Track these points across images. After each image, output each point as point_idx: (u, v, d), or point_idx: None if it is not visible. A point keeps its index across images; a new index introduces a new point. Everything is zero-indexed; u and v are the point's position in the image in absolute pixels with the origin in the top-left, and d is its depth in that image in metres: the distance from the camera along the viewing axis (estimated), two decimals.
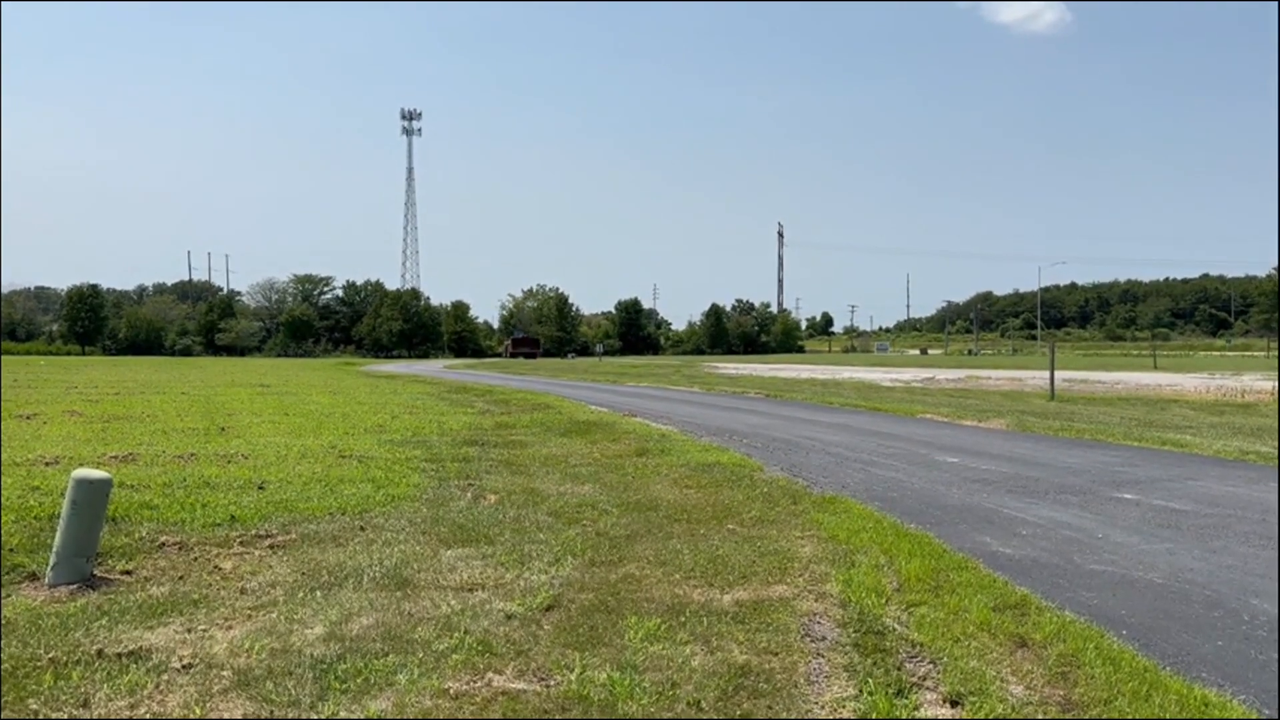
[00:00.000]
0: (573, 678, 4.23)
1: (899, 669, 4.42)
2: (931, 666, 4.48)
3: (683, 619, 5.07)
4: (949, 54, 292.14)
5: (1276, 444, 13.24)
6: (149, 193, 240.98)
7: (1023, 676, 4.37)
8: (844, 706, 4.01)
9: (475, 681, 4.20)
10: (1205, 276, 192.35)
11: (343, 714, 3.85)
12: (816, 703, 4.05)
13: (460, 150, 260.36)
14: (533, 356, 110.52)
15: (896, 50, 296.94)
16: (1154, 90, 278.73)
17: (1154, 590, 5.86)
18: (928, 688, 4.25)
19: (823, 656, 4.58)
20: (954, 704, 4.10)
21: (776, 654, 4.58)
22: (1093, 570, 6.33)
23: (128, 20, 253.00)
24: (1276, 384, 28.41)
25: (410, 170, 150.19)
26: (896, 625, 5.05)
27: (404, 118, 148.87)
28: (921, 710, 4.00)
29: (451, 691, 4.08)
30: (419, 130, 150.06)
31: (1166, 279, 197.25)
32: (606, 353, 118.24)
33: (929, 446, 13.46)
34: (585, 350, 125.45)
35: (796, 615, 5.19)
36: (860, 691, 4.15)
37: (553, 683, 4.20)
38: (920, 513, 8.29)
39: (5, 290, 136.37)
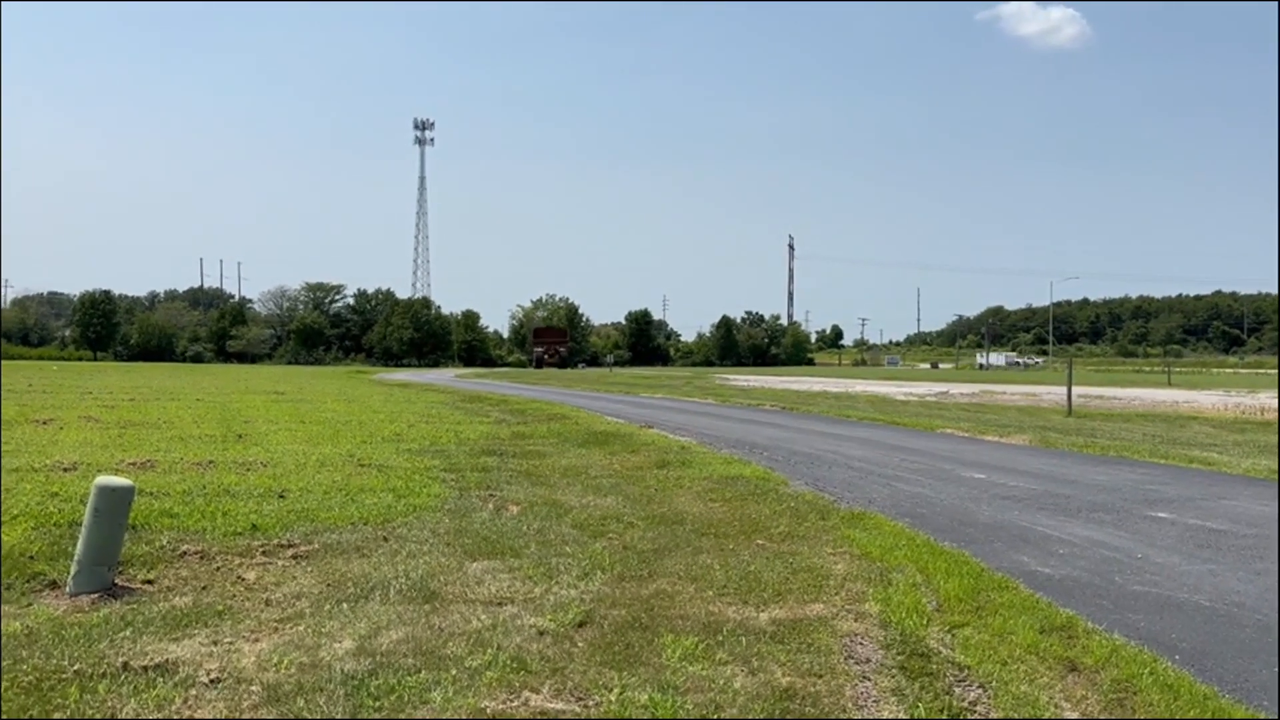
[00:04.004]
0: (612, 698, 4.09)
1: (948, 693, 4.27)
2: (981, 691, 4.33)
3: (720, 638, 4.94)
4: (965, 66, 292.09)
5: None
6: (162, 199, 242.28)
7: (1077, 702, 4.22)
8: None
9: (512, 700, 4.07)
10: (1218, 293, 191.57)
11: None
12: None
13: (471, 160, 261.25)
14: (558, 359, 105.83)
15: (911, 61, 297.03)
16: (1169, 105, 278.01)
17: (1202, 613, 5.70)
18: (980, 714, 4.10)
19: (869, 679, 4.43)
20: None
21: (821, 676, 4.43)
22: (1136, 591, 6.17)
23: (142, 24, 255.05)
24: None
25: (422, 179, 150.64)
26: (941, 647, 4.90)
27: (417, 127, 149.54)
28: None
29: (489, 711, 3.95)
30: (431, 140, 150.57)
31: (1179, 295, 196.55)
32: (616, 363, 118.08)
33: (953, 461, 13.29)
34: (595, 361, 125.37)
35: (837, 635, 5.05)
36: (911, 717, 4.00)
37: (592, 703, 4.07)
38: (952, 530, 8.14)
39: (19, 295, 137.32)
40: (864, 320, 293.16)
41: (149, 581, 5.86)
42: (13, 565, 5.95)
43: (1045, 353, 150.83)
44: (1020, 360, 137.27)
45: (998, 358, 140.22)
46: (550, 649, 4.72)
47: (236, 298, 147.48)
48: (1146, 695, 4.25)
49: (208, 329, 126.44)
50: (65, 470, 10.14)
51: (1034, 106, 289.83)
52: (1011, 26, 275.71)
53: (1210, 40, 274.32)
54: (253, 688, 4.13)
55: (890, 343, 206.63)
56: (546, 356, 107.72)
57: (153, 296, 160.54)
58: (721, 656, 4.66)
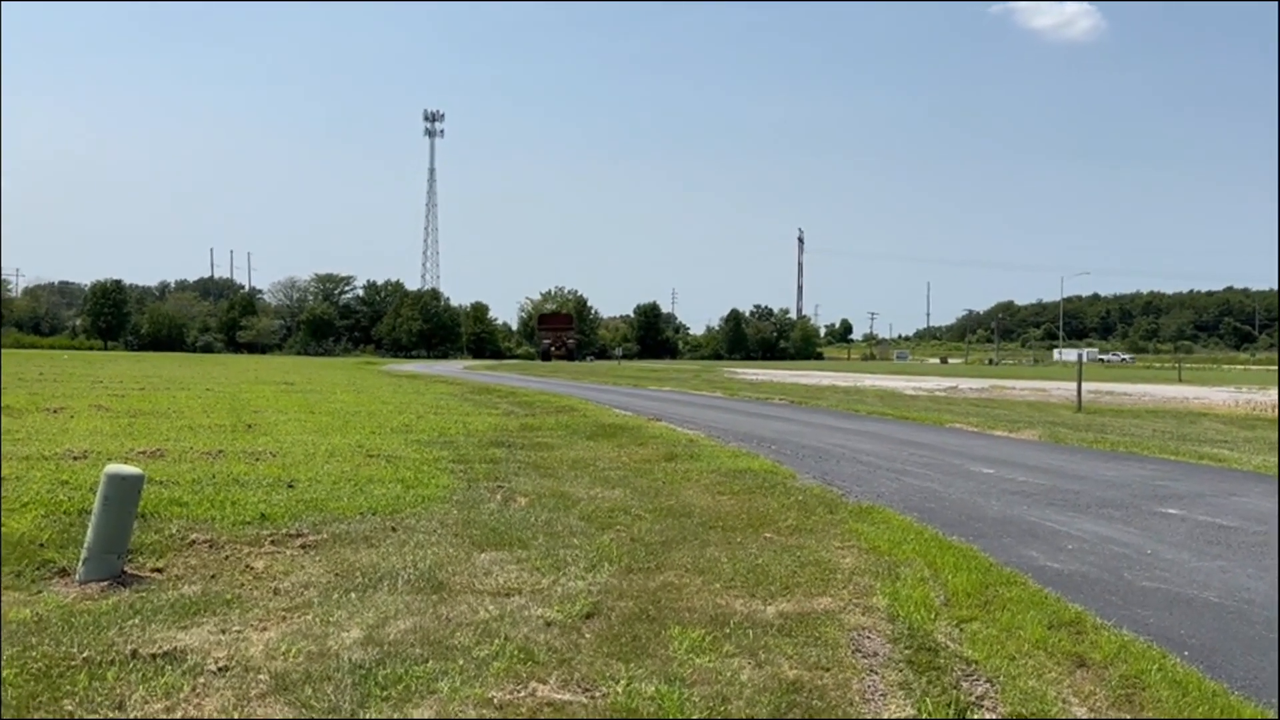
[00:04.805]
0: (619, 689, 4.09)
1: (955, 688, 4.26)
2: (989, 686, 4.32)
3: (727, 630, 4.93)
4: (977, 59, 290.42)
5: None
6: (173, 190, 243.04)
7: (1085, 698, 4.21)
8: None
9: (519, 691, 4.07)
10: (1229, 289, 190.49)
11: None
12: None
13: (481, 152, 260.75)
14: (565, 351, 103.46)
15: (923, 55, 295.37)
16: (1182, 100, 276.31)
17: (1212, 609, 5.68)
18: (987, 708, 4.09)
19: (876, 673, 4.42)
20: None
21: (828, 670, 4.43)
22: (1145, 587, 6.15)
23: (153, 17, 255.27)
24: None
25: (432, 171, 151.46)
26: (949, 642, 4.89)
27: (427, 119, 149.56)
28: None
29: (495, 701, 3.95)
30: (441, 132, 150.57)
31: (1190, 291, 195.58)
32: (625, 356, 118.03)
33: (961, 456, 13.26)
34: (603, 353, 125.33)
35: (845, 629, 5.04)
36: (919, 711, 3.99)
37: (599, 694, 4.07)
38: (960, 524, 8.11)
39: (31, 284, 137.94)
40: (873, 315, 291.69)
41: (158, 570, 5.89)
42: (23, 552, 5.99)
43: (1056, 348, 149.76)
44: (1104, 357, 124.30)
45: (1077, 353, 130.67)
46: (558, 640, 4.73)
47: (246, 288, 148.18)
48: (1155, 691, 4.24)
49: (218, 319, 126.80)
50: (75, 458, 10.19)
51: (1046, 100, 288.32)
52: (1025, 19, 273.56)
53: (1225, 35, 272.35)
54: (261, 676, 4.14)
55: (899, 337, 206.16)
56: (553, 349, 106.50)
57: (163, 286, 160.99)
58: (729, 649, 4.65)
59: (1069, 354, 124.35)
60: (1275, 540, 7.67)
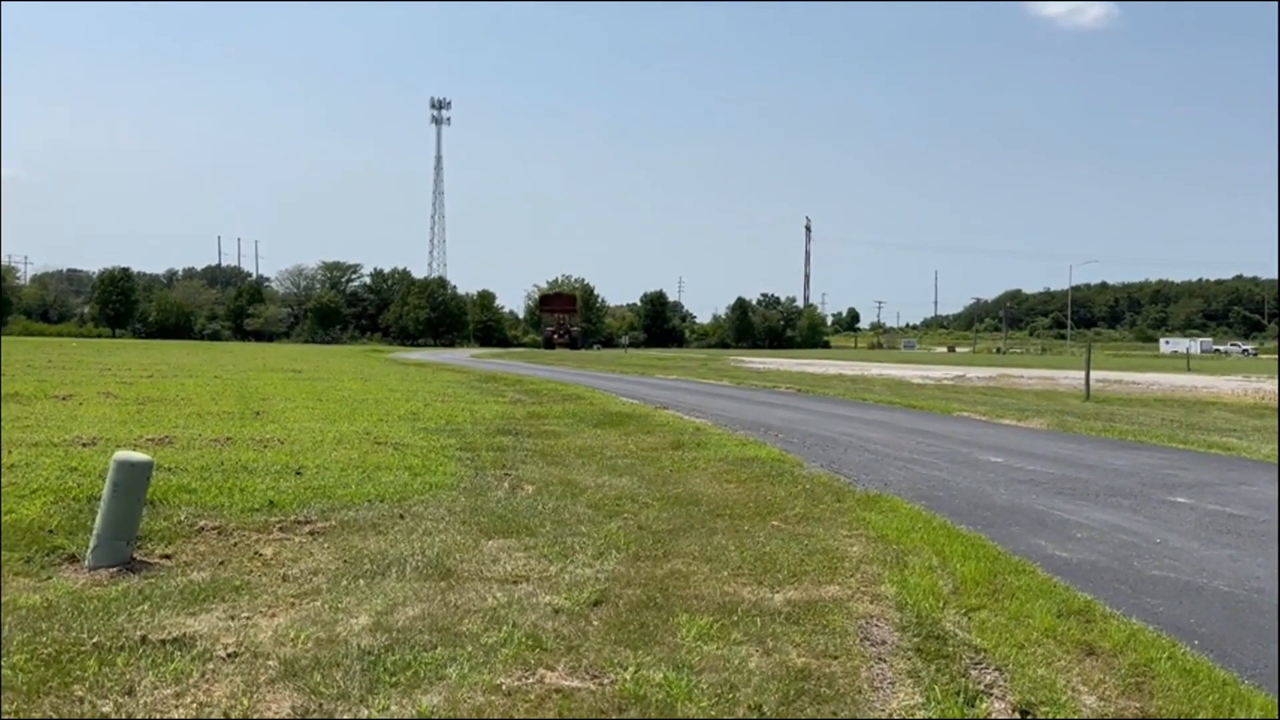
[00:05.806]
0: (627, 677, 4.09)
1: (964, 676, 4.25)
2: (998, 674, 4.31)
3: (735, 618, 4.93)
4: (986, 46, 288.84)
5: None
6: (180, 178, 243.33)
7: (1094, 686, 4.19)
8: (914, 714, 3.85)
9: (527, 678, 4.07)
10: (1239, 278, 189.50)
11: (394, 708, 3.73)
12: (883, 710, 3.89)
13: (487, 140, 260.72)
14: (569, 339, 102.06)
15: (932, 42, 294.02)
16: (1191, 88, 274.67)
17: (1221, 599, 5.66)
18: (996, 696, 4.08)
19: (885, 661, 4.41)
20: (1025, 713, 3.93)
21: (836, 657, 4.42)
22: (1154, 576, 6.13)
23: (161, 4, 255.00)
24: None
25: (439, 159, 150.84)
26: (957, 630, 4.88)
27: (434, 107, 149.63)
28: None
29: (504, 688, 3.95)
30: (448, 119, 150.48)
31: (1199, 280, 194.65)
32: (631, 344, 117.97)
33: (970, 445, 13.23)
34: (610, 342, 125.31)
35: (853, 617, 5.03)
36: (928, 699, 3.98)
37: (607, 681, 4.07)
38: (969, 513, 8.10)
39: (39, 272, 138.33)
40: (880, 303, 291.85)
41: (167, 556, 5.90)
42: (32, 539, 6.01)
43: (1064, 337, 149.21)
44: (1220, 348, 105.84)
45: (1189, 344, 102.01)
46: (565, 627, 4.73)
47: (254, 276, 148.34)
48: (1165, 680, 4.22)
49: (225, 307, 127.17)
50: (84, 445, 10.21)
51: (1054, 88, 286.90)
52: (1036, 7, 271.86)
53: (1235, 23, 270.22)
54: (269, 662, 4.15)
55: (907, 326, 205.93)
56: (556, 336, 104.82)
57: (171, 274, 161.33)
58: (736, 637, 4.65)
59: (1179, 343, 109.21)
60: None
